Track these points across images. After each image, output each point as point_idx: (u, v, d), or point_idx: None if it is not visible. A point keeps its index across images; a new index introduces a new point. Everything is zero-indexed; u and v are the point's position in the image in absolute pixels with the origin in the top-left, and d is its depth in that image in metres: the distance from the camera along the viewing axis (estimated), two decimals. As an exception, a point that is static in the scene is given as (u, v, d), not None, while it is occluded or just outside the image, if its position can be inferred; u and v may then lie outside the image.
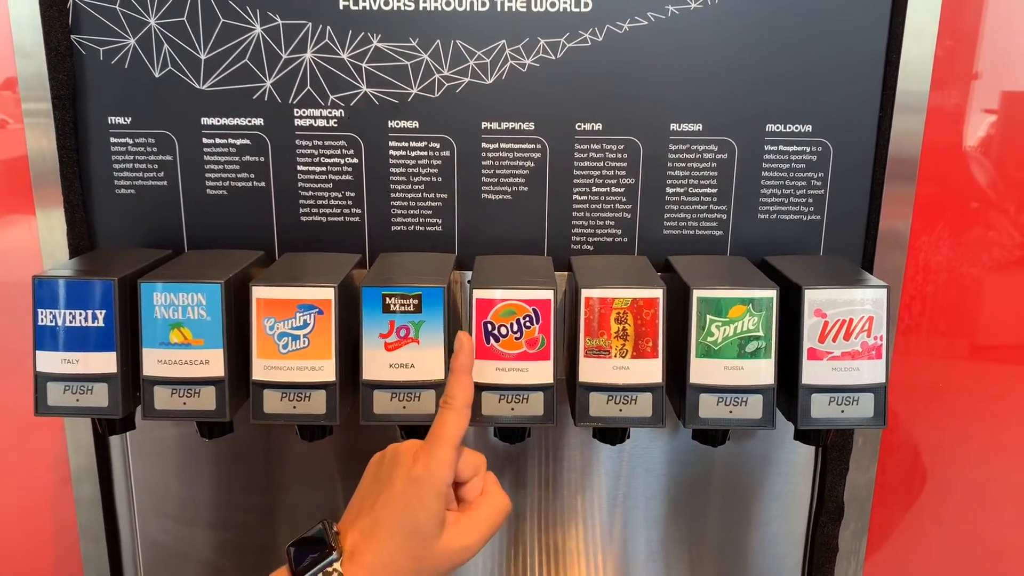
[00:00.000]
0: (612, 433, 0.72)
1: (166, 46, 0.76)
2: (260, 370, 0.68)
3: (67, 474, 0.85)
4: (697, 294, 0.67)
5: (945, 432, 0.89)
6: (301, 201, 0.80)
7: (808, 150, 0.79)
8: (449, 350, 0.69)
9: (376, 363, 0.68)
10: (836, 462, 0.84)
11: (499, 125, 0.78)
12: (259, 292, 0.67)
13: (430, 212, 0.80)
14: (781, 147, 0.79)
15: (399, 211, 0.80)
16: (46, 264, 0.80)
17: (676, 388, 0.71)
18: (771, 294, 0.67)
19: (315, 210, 0.80)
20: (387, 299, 0.67)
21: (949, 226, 0.83)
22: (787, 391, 0.70)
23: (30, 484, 0.91)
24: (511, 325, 0.67)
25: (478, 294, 0.67)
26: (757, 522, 0.88)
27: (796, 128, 0.78)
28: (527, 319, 0.67)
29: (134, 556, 0.89)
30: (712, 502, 0.88)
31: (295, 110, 0.78)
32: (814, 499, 0.87)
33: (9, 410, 0.90)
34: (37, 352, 0.68)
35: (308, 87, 0.77)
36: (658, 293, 0.67)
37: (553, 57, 0.76)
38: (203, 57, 0.77)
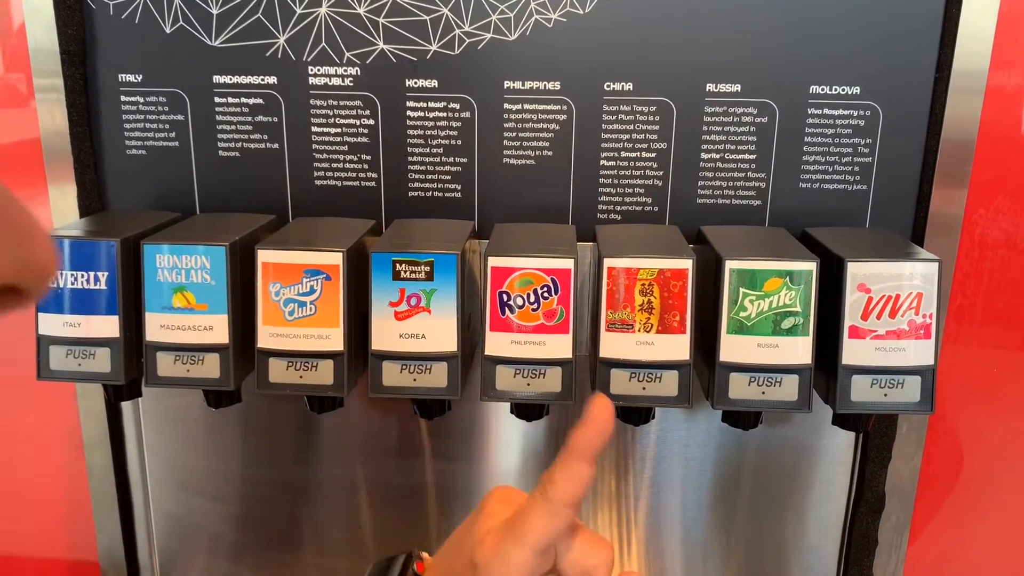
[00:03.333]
0: (634, 413, 0.68)
1: (177, 0, 0.73)
2: (265, 337, 0.65)
3: (79, 442, 0.84)
4: (730, 265, 0.62)
5: (997, 422, 0.82)
6: (315, 164, 0.77)
7: (855, 114, 0.73)
8: (462, 321, 0.65)
9: (385, 333, 0.64)
10: (877, 450, 0.78)
11: (523, 84, 0.74)
12: (265, 255, 0.64)
13: (449, 177, 0.76)
14: (826, 110, 0.73)
15: (416, 176, 0.77)
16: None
17: (705, 366, 0.66)
18: (810, 266, 0.62)
19: (329, 174, 0.77)
20: (397, 265, 0.64)
21: (1010, 198, 0.76)
22: (826, 372, 0.65)
23: (43, 452, 0.90)
24: (527, 295, 0.63)
25: (493, 262, 0.63)
26: (791, 512, 0.83)
27: (843, 90, 0.72)
28: (545, 289, 0.63)
29: (147, 525, 0.88)
30: (743, 489, 0.83)
31: (309, 68, 0.74)
32: (853, 489, 0.82)
33: (22, 378, 0.88)
34: (39, 314, 0.66)
35: (323, 44, 0.74)
36: (687, 264, 0.62)
37: (581, 12, 0.72)
38: (215, 12, 0.73)
